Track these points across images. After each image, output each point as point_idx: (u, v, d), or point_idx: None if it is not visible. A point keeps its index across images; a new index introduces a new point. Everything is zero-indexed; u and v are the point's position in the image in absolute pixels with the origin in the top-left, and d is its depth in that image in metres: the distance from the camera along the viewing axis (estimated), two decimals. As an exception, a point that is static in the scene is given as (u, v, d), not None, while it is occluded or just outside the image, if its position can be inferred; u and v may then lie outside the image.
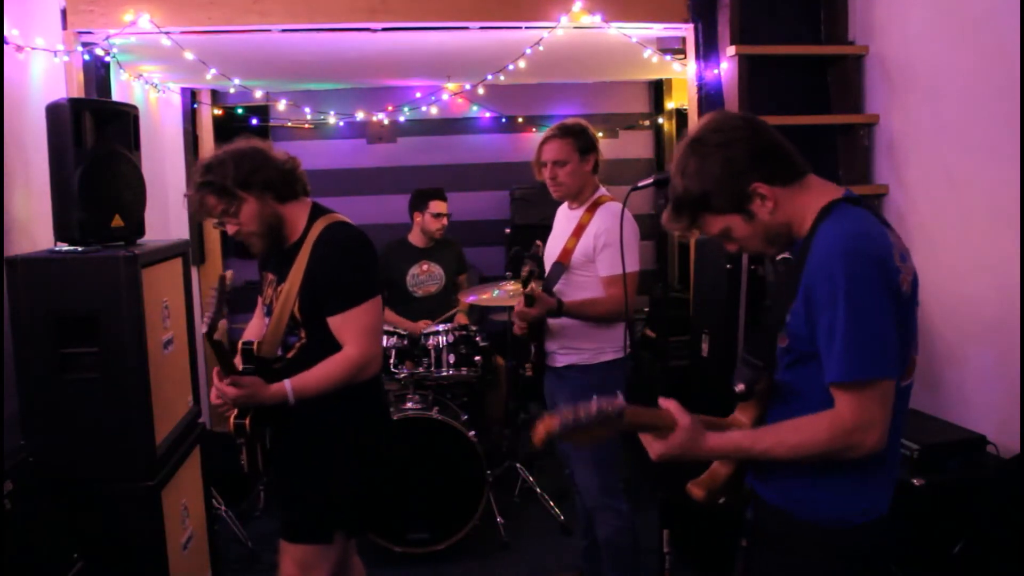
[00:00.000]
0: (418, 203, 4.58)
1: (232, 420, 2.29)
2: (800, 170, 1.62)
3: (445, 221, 4.56)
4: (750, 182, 1.57)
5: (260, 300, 2.57)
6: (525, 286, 2.86)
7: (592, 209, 3.00)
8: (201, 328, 2.08)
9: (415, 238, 4.61)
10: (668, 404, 1.58)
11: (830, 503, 1.60)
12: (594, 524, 3.07)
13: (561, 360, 3.03)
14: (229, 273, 2.24)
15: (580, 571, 3.34)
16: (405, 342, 4.04)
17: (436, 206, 4.53)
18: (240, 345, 2.34)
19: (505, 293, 3.67)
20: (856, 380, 1.48)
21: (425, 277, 4.57)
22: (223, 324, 2.05)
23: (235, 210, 2.31)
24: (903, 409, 1.62)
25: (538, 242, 3.14)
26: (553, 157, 3.01)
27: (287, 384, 2.24)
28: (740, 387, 1.62)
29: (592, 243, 2.94)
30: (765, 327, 1.68)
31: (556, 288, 3.03)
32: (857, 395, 1.47)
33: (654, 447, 1.58)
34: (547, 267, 3.10)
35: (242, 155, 2.31)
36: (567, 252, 3.01)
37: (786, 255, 3.47)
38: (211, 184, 2.28)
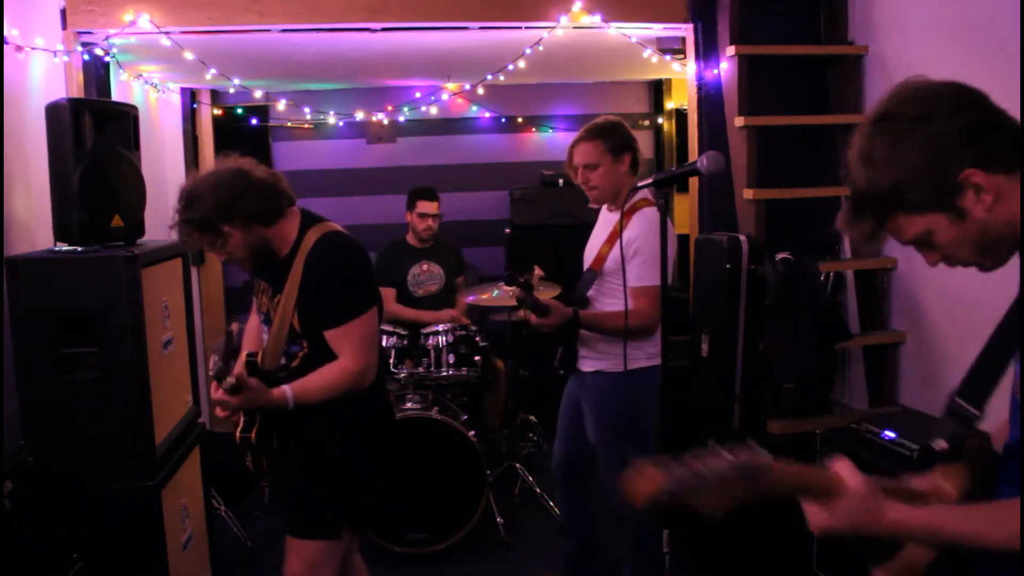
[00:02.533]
0: (409, 202, 4.59)
1: (238, 434, 2.29)
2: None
3: (431, 221, 4.53)
4: (961, 168, 1.17)
5: (255, 301, 2.57)
6: (520, 307, 2.83)
7: (629, 214, 2.85)
8: (208, 369, 2.08)
9: (412, 238, 4.62)
10: (839, 465, 1.22)
11: None
12: (621, 519, 3.02)
13: (588, 365, 2.94)
14: (235, 326, 2.25)
15: (563, 572, 3.33)
16: (405, 342, 4.04)
17: (423, 206, 4.52)
18: (244, 357, 2.33)
19: (505, 293, 3.67)
20: None
21: (425, 277, 4.57)
22: (228, 381, 2.08)
23: (222, 243, 2.27)
24: None
25: (536, 267, 3.06)
26: (583, 160, 2.89)
27: (287, 391, 2.22)
28: (941, 444, 1.27)
29: (623, 251, 2.79)
30: (988, 360, 1.30)
31: (589, 294, 2.96)
32: None
33: (817, 517, 1.21)
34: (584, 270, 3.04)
35: (222, 185, 2.25)
36: (600, 259, 2.92)
37: (786, 255, 3.50)
38: (192, 221, 2.24)
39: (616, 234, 2.86)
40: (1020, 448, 1.21)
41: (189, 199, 2.26)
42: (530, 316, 2.86)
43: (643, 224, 2.81)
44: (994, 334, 1.29)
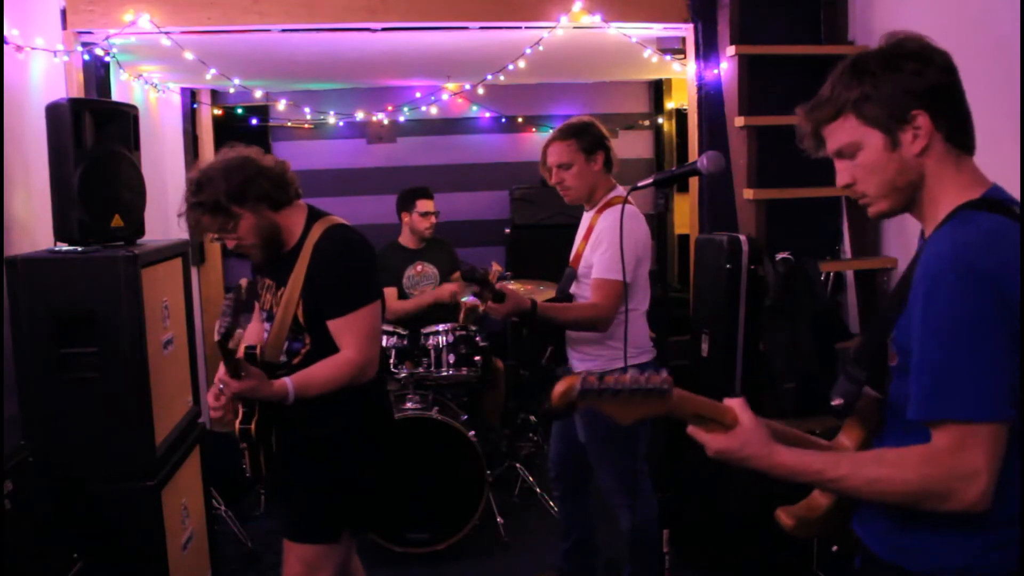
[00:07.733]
0: (405, 203, 4.56)
1: (237, 425, 2.27)
2: (970, 144, 1.40)
3: (433, 219, 4.53)
4: (916, 106, 1.34)
5: (257, 305, 2.56)
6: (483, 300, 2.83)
7: (600, 211, 2.89)
8: (215, 335, 2.05)
9: (406, 239, 4.60)
10: (733, 402, 1.40)
11: (941, 554, 1.34)
12: (616, 518, 3.03)
13: (576, 365, 2.95)
14: (244, 281, 2.23)
15: (560, 571, 3.34)
16: (405, 342, 4.04)
17: (423, 205, 4.50)
18: (243, 350, 2.31)
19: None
20: (938, 420, 1.26)
21: (420, 278, 4.57)
22: (239, 333, 2.02)
23: (232, 226, 2.28)
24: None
25: (495, 264, 3.06)
26: (556, 160, 2.91)
27: (288, 382, 2.21)
28: (837, 401, 1.43)
29: (591, 247, 2.86)
30: (873, 336, 1.49)
31: (572, 292, 2.97)
32: (958, 435, 1.24)
33: (715, 441, 1.37)
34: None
35: (232, 168, 2.27)
36: (576, 257, 2.95)
37: (786, 255, 3.49)
38: (203, 204, 2.24)
39: (590, 231, 2.90)
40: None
41: (199, 184, 2.26)
42: (487, 301, 2.83)
43: (608, 218, 2.82)
44: (880, 310, 1.50)
